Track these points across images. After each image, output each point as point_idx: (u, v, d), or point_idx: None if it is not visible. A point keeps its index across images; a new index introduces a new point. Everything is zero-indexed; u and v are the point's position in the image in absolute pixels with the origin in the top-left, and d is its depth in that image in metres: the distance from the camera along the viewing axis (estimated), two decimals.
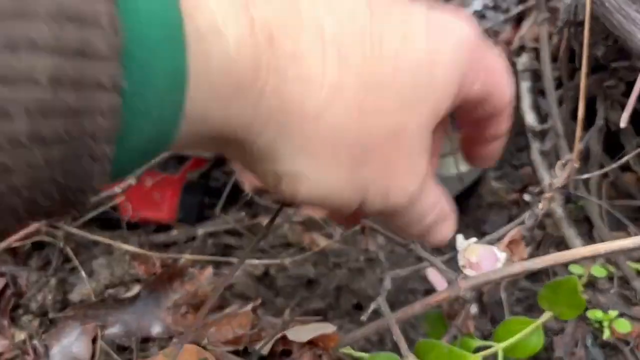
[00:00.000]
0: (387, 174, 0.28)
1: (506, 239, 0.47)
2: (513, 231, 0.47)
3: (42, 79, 0.18)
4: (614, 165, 0.51)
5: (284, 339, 0.40)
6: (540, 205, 0.48)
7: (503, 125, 0.34)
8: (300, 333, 0.40)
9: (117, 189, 0.54)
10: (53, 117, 0.18)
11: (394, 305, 0.52)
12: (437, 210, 0.32)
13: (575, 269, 0.58)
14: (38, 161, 0.19)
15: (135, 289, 0.51)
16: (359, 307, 0.63)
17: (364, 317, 0.37)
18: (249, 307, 0.47)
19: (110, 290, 0.52)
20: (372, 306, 0.36)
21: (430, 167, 0.30)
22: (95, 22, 0.18)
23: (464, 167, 0.81)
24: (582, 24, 0.59)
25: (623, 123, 0.42)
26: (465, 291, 0.39)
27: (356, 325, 0.61)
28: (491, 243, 0.58)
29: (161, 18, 0.21)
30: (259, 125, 0.25)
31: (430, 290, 0.66)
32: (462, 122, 0.35)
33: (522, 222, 0.49)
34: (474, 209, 0.84)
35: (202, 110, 0.23)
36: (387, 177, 0.28)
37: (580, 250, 0.36)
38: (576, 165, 0.50)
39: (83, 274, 0.56)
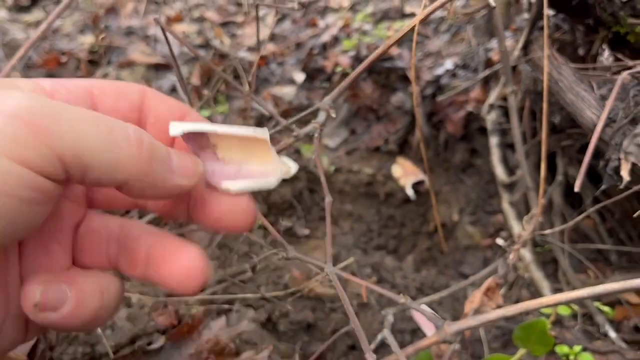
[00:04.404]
0: None
1: (483, 287, 0.54)
2: (489, 280, 0.55)
3: None
4: (576, 220, 0.59)
5: None
6: (511, 256, 0.56)
7: None
8: None
9: None
10: None
11: (384, 345, 0.58)
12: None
13: (544, 309, 0.66)
14: None
15: (159, 339, 0.56)
16: (354, 348, 0.69)
17: (372, 346, 0.42)
18: (265, 353, 0.53)
19: (139, 343, 0.57)
20: (379, 337, 0.42)
21: None
22: None
23: None
24: (540, 94, 0.68)
25: (577, 188, 0.50)
26: (452, 336, 0.46)
27: None
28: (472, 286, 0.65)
29: None
30: None
31: (416, 329, 0.72)
32: None
33: (496, 271, 0.57)
34: (452, 251, 0.92)
35: None
36: None
37: (546, 299, 0.44)
38: (540, 219, 0.58)
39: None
